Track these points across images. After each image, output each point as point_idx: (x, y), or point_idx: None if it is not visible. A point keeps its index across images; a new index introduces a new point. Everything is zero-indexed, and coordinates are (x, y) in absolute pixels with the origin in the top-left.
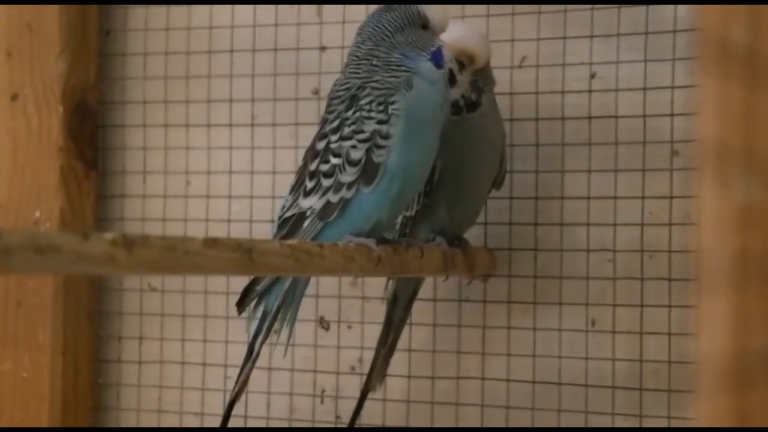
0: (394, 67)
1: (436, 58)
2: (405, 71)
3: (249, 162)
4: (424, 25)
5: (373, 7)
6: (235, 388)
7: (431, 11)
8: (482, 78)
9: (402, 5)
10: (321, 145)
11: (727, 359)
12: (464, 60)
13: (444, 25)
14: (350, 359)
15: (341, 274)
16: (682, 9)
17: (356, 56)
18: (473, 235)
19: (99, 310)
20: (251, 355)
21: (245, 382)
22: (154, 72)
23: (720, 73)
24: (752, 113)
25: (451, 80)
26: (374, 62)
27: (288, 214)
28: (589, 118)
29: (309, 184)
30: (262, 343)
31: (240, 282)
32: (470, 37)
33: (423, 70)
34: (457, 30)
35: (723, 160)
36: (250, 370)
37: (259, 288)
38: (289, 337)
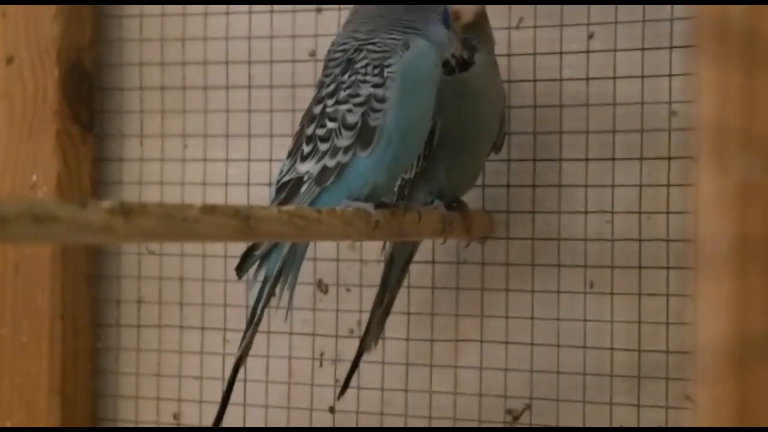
0: (399, 28)
1: (446, 19)
2: (409, 32)
3: (246, 125)
4: None
5: None
6: (238, 353)
7: None
8: (476, 36)
9: None
10: (317, 110)
11: (727, 341)
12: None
13: None
14: (349, 322)
15: (340, 239)
16: None
17: (361, 14)
18: (471, 198)
19: (97, 274)
20: (253, 320)
21: (248, 347)
22: (150, 34)
23: (718, 51)
24: (751, 94)
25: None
26: (378, 21)
27: (285, 179)
28: (587, 79)
29: (306, 149)
30: (264, 307)
31: (238, 245)
32: None
33: (432, 32)
34: None
35: (721, 140)
36: (253, 334)
37: (258, 253)
38: (289, 302)
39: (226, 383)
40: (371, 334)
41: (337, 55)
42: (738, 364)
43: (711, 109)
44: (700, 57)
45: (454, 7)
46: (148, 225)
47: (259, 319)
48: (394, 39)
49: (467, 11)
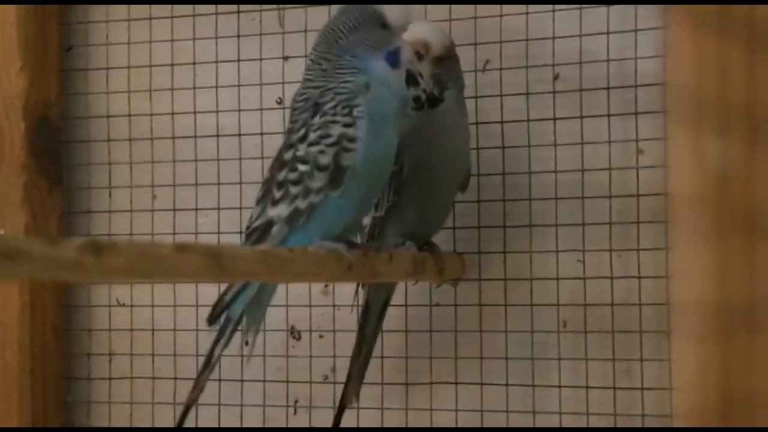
0: (344, 71)
1: (392, 58)
2: (355, 72)
3: (215, 173)
4: (383, 24)
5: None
6: (191, 394)
7: (389, 9)
8: (446, 72)
9: (359, 5)
10: (288, 155)
11: (707, 309)
12: (420, 49)
13: (404, 23)
14: (323, 369)
15: (312, 279)
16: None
17: (311, 61)
18: (442, 240)
19: (67, 327)
20: (209, 362)
21: (201, 390)
22: (117, 86)
23: (691, 26)
24: (727, 67)
25: (412, 81)
26: (324, 66)
27: (256, 224)
28: (554, 119)
29: (277, 194)
30: (222, 350)
31: (209, 294)
32: (425, 27)
33: (374, 69)
34: (414, 26)
35: (697, 113)
36: (207, 377)
37: (227, 297)
38: (252, 346)
39: (176, 423)
40: (351, 386)
41: (300, 104)
42: (719, 329)
43: (686, 80)
44: (676, 28)
45: (423, 39)
46: (120, 263)
47: (216, 362)
48: (348, 81)
49: (437, 43)
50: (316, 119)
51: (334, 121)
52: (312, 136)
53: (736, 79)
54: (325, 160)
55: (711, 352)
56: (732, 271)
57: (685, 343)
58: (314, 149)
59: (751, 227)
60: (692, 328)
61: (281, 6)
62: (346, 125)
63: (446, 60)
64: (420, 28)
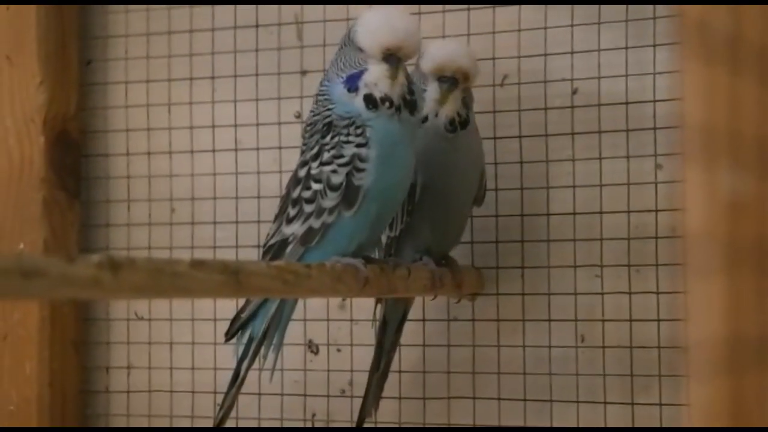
0: (321, 97)
1: (350, 82)
2: (326, 98)
3: (233, 187)
4: (359, 46)
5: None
6: (220, 412)
7: (359, 28)
8: (468, 95)
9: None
10: (302, 173)
11: (719, 345)
12: (459, 77)
13: (376, 46)
14: (340, 382)
15: (329, 294)
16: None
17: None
18: (460, 254)
19: (86, 340)
20: (237, 380)
21: (231, 407)
22: (136, 100)
23: (703, 58)
24: (737, 99)
25: (372, 103)
26: (319, 89)
27: (272, 242)
28: (572, 134)
29: (291, 212)
30: (248, 367)
31: (227, 308)
32: (463, 54)
33: (335, 94)
34: (449, 47)
35: (709, 146)
36: (236, 394)
37: (245, 314)
38: (275, 362)
39: None
40: (370, 400)
41: (316, 118)
42: (730, 365)
43: (698, 116)
44: (686, 64)
45: (464, 69)
46: (137, 279)
47: (243, 379)
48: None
49: (475, 74)
50: (329, 138)
51: (348, 141)
52: (325, 156)
53: (747, 112)
54: (337, 179)
55: (723, 390)
56: (744, 306)
57: (699, 381)
58: (327, 168)
59: (764, 261)
60: (705, 365)
61: (299, 21)
62: (359, 145)
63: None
64: (454, 49)
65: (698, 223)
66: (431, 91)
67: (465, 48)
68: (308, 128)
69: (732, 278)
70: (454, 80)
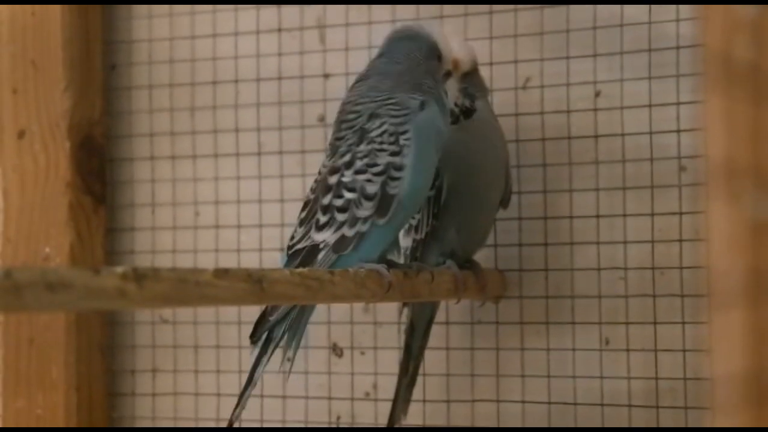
0: (418, 90)
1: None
2: (426, 95)
3: (257, 191)
4: (439, 57)
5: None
6: (234, 412)
7: (443, 45)
8: (471, 85)
9: (420, 35)
10: (333, 180)
11: (742, 376)
12: (450, 67)
13: (450, 57)
14: (365, 385)
15: (352, 300)
16: (684, 25)
17: (377, 69)
18: (483, 257)
19: (111, 344)
20: (251, 381)
21: (242, 407)
22: (159, 104)
23: (725, 89)
24: (759, 129)
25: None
26: (398, 80)
27: (299, 246)
28: (596, 137)
29: (322, 219)
30: (264, 368)
31: (251, 311)
32: (453, 43)
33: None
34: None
35: (731, 177)
36: (248, 395)
37: (273, 318)
38: (291, 365)
39: None
40: (399, 404)
41: (351, 116)
42: (754, 396)
43: (720, 147)
44: (708, 94)
45: (454, 58)
46: (162, 290)
47: (256, 381)
48: (413, 98)
49: (466, 60)
50: (363, 146)
51: (382, 150)
52: (358, 164)
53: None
54: (372, 189)
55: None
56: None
57: (722, 415)
58: (361, 177)
59: None
60: (729, 399)
61: (322, 24)
62: (393, 153)
63: (470, 73)
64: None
65: (722, 258)
66: None
67: (455, 38)
68: (342, 125)
69: (756, 309)
70: (447, 72)
